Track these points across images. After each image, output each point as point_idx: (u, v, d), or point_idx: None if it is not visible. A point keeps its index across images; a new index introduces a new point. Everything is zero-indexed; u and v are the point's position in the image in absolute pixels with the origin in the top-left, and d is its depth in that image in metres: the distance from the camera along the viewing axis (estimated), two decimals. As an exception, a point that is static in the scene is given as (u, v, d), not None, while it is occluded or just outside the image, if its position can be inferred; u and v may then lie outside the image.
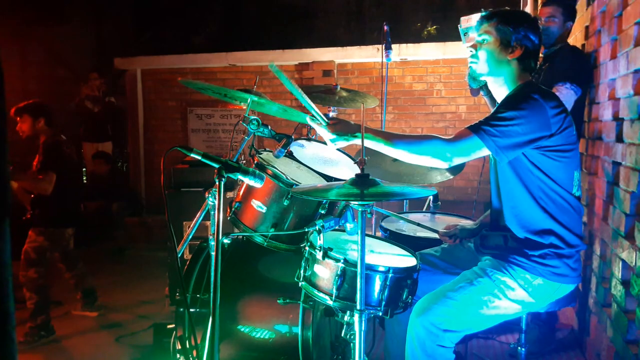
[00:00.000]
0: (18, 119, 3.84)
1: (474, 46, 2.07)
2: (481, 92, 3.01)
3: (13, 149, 3.89)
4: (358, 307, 1.74)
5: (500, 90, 2.08)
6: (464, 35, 2.96)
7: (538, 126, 1.89)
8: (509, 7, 2.13)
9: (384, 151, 1.98)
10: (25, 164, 3.97)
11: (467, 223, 2.49)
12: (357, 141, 1.98)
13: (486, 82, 2.15)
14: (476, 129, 1.91)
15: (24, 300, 3.68)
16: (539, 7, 3.50)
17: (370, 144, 1.96)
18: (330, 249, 1.89)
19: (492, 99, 3.03)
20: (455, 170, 3.01)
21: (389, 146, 1.96)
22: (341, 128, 1.99)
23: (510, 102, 1.97)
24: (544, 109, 1.89)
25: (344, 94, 3.10)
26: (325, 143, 2.62)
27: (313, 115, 2.03)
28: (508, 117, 1.89)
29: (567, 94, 2.84)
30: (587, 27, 3.33)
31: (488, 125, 1.90)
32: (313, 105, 1.99)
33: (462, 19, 2.96)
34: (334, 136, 2.00)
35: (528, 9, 5.14)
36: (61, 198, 3.81)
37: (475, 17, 2.88)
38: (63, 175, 3.80)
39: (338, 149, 2.64)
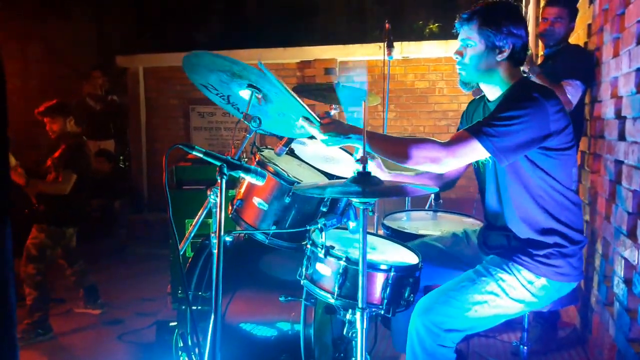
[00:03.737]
0: (47, 119, 3.88)
1: (459, 53, 2.00)
2: (482, 93, 3.01)
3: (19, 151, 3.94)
4: (360, 305, 1.74)
5: (493, 90, 2.03)
6: None
7: (539, 126, 1.84)
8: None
9: (378, 154, 1.96)
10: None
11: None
12: (351, 144, 1.94)
13: (470, 88, 2.10)
14: (474, 131, 1.86)
15: (23, 296, 3.70)
16: (541, 5, 3.50)
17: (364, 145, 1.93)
18: (332, 247, 1.89)
19: None
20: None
21: (384, 150, 1.93)
22: (334, 129, 1.93)
23: (509, 102, 1.91)
24: (544, 108, 1.84)
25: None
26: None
27: (305, 117, 1.99)
28: (507, 116, 1.83)
29: (575, 88, 2.86)
30: (589, 25, 3.32)
31: (486, 126, 1.84)
32: (305, 106, 1.97)
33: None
34: (327, 137, 1.93)
35: (530, 7, 5.12)
36: (70, 198, 3.85)
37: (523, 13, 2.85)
38: (81, 176, 3.88)
39: (340, 148, 2.64)
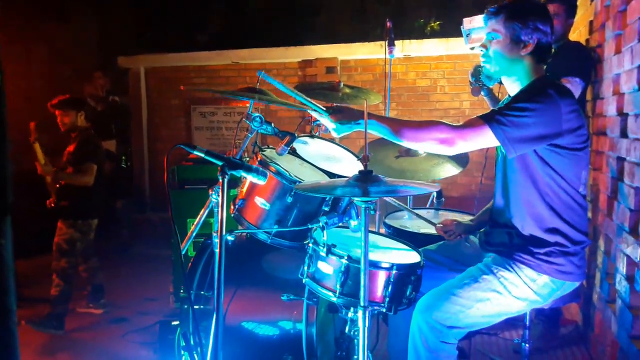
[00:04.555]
0: (59, 112, 4.00)
1: (484, 46, 2.02)
2: (482, 93, 3.01)
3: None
4: (362, 304, 1.74)
5: (514, 86, 2.04)
6: (467, 36, 2.94)
7: (550, 122, 1.85)
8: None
9: (389, 138, 1.96)
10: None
11: (464, 219, 2.49)
12: (361, 129, 1.95)
13: (493, 82, 2.11)
14: (487, 118, 1.88)
15: (28, 298, 3.75)
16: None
17: (374, 131, 1.94)
18: (334, 246, 1.89)
19: (493, 100, 3.03)
20: (460, 165, 3.01)
21: (394, 132, 1.94)
22: (344, 116, 1.97)
23: (524, 95, 1.93)
24: (557, 106, 1.85)
25: (348, 90, 3.09)
26: (329, 140, 2.63)
27: (314, 110, 2.03)
28: (520, 107, 1.85)
29: (575, 85, 2.86)
30: (591, 22, 3.31)
31: (499, 115, 1.86)
32: (311, 100, 1.99)
33: (465, 20, 2.94)
34: (337, 125, 1.97)
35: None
36: (91, 190, 3.98)
37: (478, 19, 2.87)
38: (99, 167, 4.02)
39: (342, 147, 2.64)
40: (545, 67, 2.06)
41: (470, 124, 1.90)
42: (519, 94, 1.97)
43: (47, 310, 3.78)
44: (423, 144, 1.94)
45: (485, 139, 1.89)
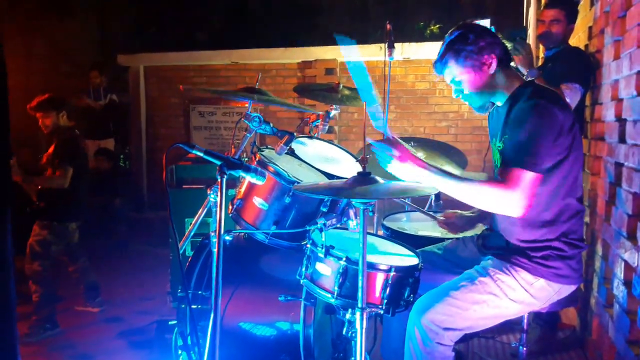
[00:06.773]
0: (39, 114, 3.84)
1: (459, 90, 2.03)
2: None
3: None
4: (359, 305, 1.74)
5: (501, 96, 2.04)
6: None
7: (555, 131, 1.86)
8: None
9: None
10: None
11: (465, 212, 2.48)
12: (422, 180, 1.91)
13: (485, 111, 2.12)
14: (520, 163, 1.85)
15: (28, 294, 3.72)
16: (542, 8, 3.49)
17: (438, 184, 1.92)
18: (332, 247, 1.89)
19: None
20: (458, 168, 3.01)
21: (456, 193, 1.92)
22: (407, 171, 1.90)
23: (522, 121, 1.89)
24: (554, 113, 1.87)
25: (347, 92, 3.10)
26: (328, 141, 2.64)
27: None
28: (531, 137, 1.84)
29: (574, 91, 2.86)
30: (590, 28, 3.32)
31: (526, 155, 1.84)
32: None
33: None
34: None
35: (532, 9, 5.13)
36: (69, 192, 3.84)
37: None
38: (76, 170, 3.85)
39: (341, 148, 2.64)
40: (541, 72, 2.07)
41: (514, 180, 1.85)
42: (517, 122, 1.91)
43: (33, 317, 3.67)
44: (486, 208, 1.93)
45: (531, 182, 1.85)
